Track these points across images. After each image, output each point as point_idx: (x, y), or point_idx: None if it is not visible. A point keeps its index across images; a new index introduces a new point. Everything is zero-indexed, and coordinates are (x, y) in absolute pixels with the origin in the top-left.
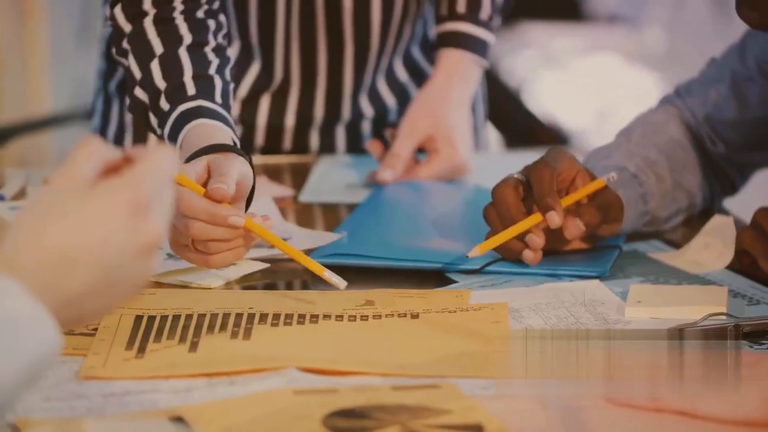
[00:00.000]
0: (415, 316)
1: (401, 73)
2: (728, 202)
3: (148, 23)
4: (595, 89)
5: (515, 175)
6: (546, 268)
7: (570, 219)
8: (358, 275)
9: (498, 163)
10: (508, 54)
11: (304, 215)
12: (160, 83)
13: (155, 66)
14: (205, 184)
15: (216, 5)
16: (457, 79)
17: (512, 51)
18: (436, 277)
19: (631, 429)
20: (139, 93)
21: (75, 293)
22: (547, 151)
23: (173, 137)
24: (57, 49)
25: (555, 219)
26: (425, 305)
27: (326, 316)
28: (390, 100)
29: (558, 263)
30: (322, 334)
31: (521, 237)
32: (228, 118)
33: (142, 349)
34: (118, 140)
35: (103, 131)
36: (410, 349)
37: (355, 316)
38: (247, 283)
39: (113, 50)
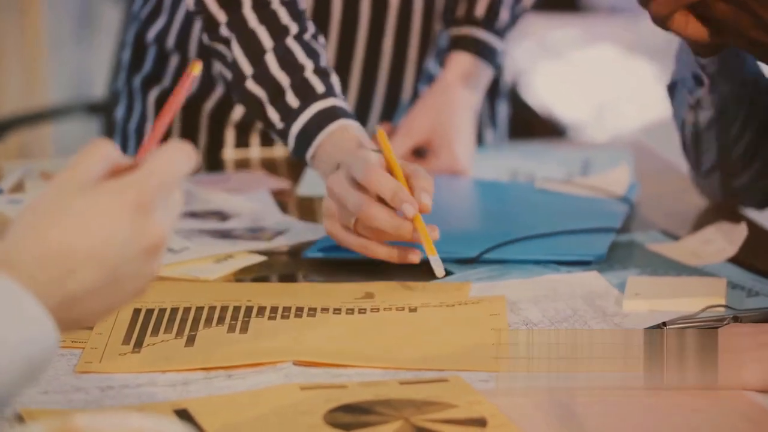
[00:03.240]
0: (413, 310)
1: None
2: None
3: (248, 11)
4: (594, 81)
5: None
6: (543, 253)
7: None
8: (357, 268)
9: (494, 156)
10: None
11: (303, 208)
12: (282, 78)
13: (271, 59)
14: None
15: None
16: (465, 82)
17: (507, 41)
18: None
19: (629, 421)
20: (253, 87)
21: (75, 292)
22: None
23: (309, 135)
24: (56, 41)
25: None
26: (424, 298)
27: (324, 309)
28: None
29: (556, 248)
30: (319, 328)
31: None
32: (352, 113)
33: (139, 344)
34: (140, 130)
35: (126, 122)
36: (408, 343)
37: (353, 309)
38: (245, 275)
39: (205, 36)
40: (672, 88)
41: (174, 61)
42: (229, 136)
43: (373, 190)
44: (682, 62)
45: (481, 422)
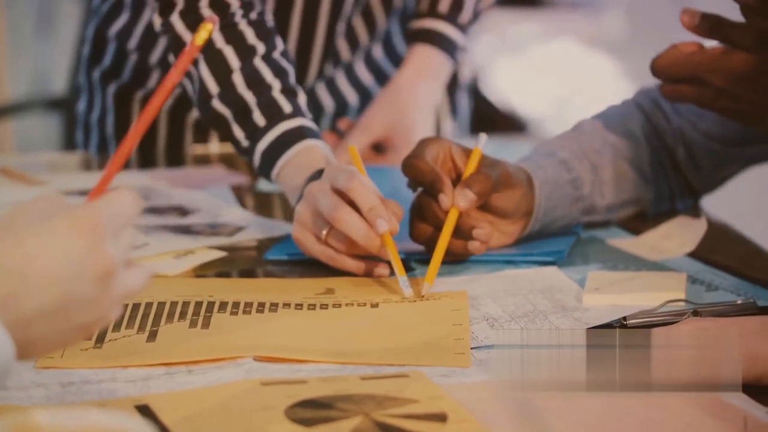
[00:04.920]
0: (374, 306)
1: (364, 75)
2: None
3: (215, 31)
4: (554, 75)
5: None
6: (503, 255)
7: (458, 191)
8: (317, 264)
9: None
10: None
11: (262, 204)
12: (249, 97)
13: (237, 79)
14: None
15: (260, 2)
16: (426, 75)
17: (469, 36)
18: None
19: (592, 416)
20: (219, 106)
21: (30, 312)
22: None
23: (274, 154)
24: (15, 37)
25: (445, 201)
26: (385, 294)
27: (285, 305)
28: (352, 97)
29: (515, 250)
30: (280, 323)
31: (459, 236)
32: (320, 133)
33: (100, 339)
34: (101, 122)
35: (87, 115)
36: (369, 338)
37: (314, 305)
38: (205, 271)
39: (171, 56)
40: None
41: (133, 59)
42: (189, 131)
43: (353, 199)
44: None
45: (442, 417)
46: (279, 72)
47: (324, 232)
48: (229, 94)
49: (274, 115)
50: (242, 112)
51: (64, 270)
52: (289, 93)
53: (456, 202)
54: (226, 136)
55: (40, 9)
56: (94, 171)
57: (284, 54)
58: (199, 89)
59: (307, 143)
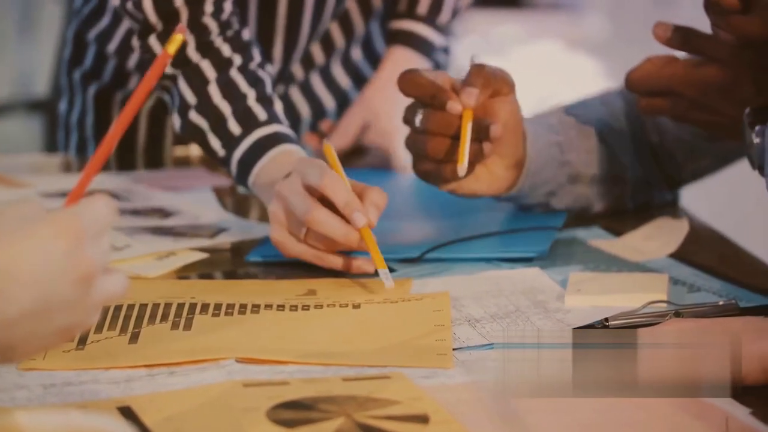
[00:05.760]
0: (356, 306)
1: (341, 78)
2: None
3: (191, 51)
4: (537, 76)
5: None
6: (485, 251)
7: (461, 93)
8: (298, 265)
9: None
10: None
11: (243, 206)
12: (224, 107)
13: (213, 90)
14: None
15: (238, 22)
16: None
17: (452, 38)
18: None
19: (573, 418)
20: (196, 117)
21: (13, 314)
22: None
23: (250, 161)
24: None
25: (454, 105)
26: (367, 295)
27: (267, 306)
28: (329, 101)
29: (497, 246)
30: (262, 324)
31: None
32: (296, 139)
33: (82, 341)
34: (81, 122)
35: (68, 115)
36: (351, 339)
37: (296, 306)
38: (187, 273)
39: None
40: None
41: (113, 62)
42: (169, 133)
43: (327, 195)
44: None
45: (424, 419)
46: (254, 81)
47: (303, 230)
48: (205, 105)
49: (250, 124)
50: (218, 123)
51: (47, 272)
52: (265, 101)
53: (465, 102)
54: (204, 147)
55: (23, 10)
56: (75, 173)
57: (261, 65)
58: (179, 104)
59: (283, 148)
